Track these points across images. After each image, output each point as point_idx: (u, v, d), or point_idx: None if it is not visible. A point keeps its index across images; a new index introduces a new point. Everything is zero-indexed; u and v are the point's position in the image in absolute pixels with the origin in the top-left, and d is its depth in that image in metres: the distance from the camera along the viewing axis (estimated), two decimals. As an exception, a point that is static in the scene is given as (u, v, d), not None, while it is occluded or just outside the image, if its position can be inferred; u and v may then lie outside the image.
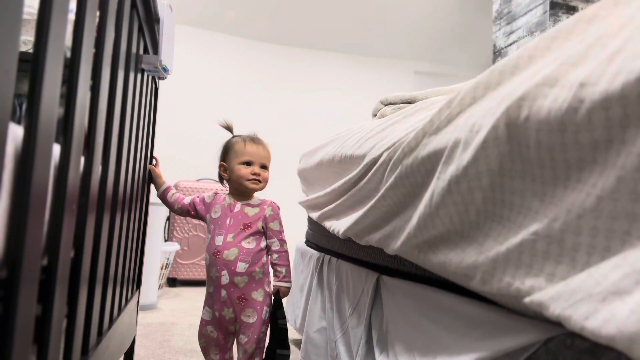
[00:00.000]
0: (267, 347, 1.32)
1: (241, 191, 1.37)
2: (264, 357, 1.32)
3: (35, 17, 0.50)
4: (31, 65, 0.44)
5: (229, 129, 1.45)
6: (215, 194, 1.42)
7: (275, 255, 1.35)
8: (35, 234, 0.45)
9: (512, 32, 3.43)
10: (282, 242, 1.36)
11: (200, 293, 3.10)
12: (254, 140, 1.39)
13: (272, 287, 1.36)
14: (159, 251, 2.75)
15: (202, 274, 3.42)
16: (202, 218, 1.41)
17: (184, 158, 3.98)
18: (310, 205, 1.66)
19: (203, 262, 3.43)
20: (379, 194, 0.94)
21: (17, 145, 0.43)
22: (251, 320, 1.27)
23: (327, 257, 1.58)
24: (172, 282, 3.41)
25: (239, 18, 4.38)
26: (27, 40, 1.52)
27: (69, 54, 0.56)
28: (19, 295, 0.42)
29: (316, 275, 1.65)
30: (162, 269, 2.90)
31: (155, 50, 1.36)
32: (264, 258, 1.34)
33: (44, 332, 0.53)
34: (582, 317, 0.43)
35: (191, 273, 3.43)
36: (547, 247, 0.51)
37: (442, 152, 0.70)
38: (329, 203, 1.38)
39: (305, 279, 1.80)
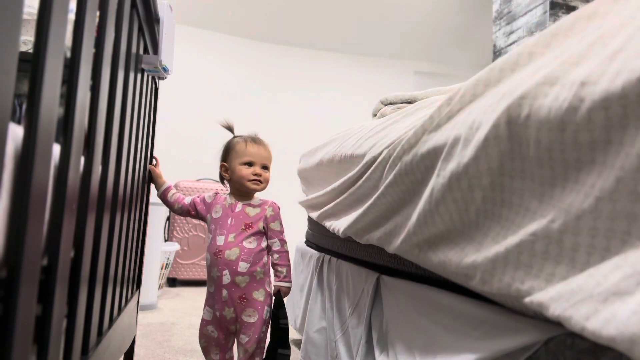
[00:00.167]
0: (268, 347, 1.32)
1: (242, 191, 1.38)
2: (264, 357, 1.32)
3: (35, 17, 0.49)
4: (31, 65, 0.44)
5: (229, 129, 1.45)
6: (216, 194, 1.42)
7: (276, 256, 1.35)
8: (35, 234, 0.45)
9: (512, 32, 3.43)
10: (283, 242, 1.37)
11: (200, 293, 3.10)
12: (255, 140, 1.39)
13: (272, 287, 1.36)
14: (159, 251, 2.75)
15: (202, 274, 3.42)
16: (202, 218, 1.41)
17: (184, 158, 3.98)
18: (310, 205, 1.66)
19: (203, 262, 3.43)
20: (379, 191, 0.94)
21: (17, 145, 0.43)
22: (252, 320, 1.28)
23: (327, 257, 1.58)
24: (172, 282, 3.41)
25: (238, 18, 4.39)
26: (27, 40, 1.52)
27: (69, 54, 0.56)
28: (19, 295, 0.42)
29: (316, 275, 1.65)
30: (162, 269, 2.90)
31: (155, 50, 1.36)
32: (265, 258, 1.34)
33: (44, 332, 0.53)
34: (582, 317, 0.43)
35: (191, 273, 3.43)
36: (546, 247, 0.51)
37: (442, 149, 0.70)
38: (328, 202, 1.38)
39: (305, 279, 1.80)
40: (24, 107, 0.73)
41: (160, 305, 2.71)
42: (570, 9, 3.09)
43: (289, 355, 1.30)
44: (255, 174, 1.34)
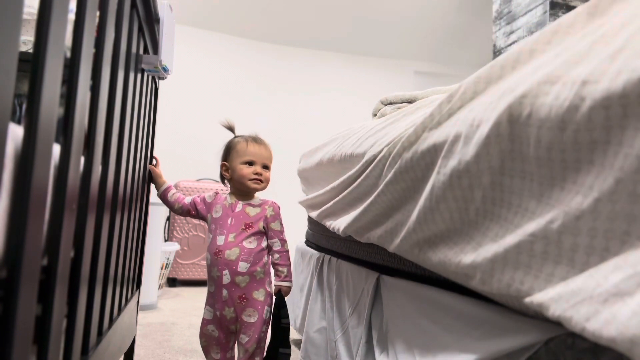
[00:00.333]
0: (269, 346, 1.32)
1: (243, 191, 1.38)
2: (264, 356, 1.32)
3: (35, 17, 0.49)
4: (31, 65, 0.44)
5: (230, 129, 1.45)
6: (216, 193, 1.42)
7: (276, 255, 1.35)
8: (35, 234, 0.45)
9: (512, 32, 3.43)
10: (283, 242, 1.37)
11: (200, 293, 3.10)
12: (256, 140, 1.39)
13: (273, 287, 1.36)
14: (159, 251, 2.75)
15: (202, 274, 3.42)
16: (202, 218, 1.41)
17: (184, 158, 3.98)
18: (310, 205, 1.66)
19: (203, 262, 3.43)
20: (379, 189, 0.94)
21: (17, 145, 0.43)
22: (252, 320, 1.28)
23: (327, 257, 1.58)
24: (172, 282, 3.41)
25: (238, 18, 4.39)
26: (27, 40, 1.52)
27: (69, 54, 0.56)
28: (19, 295, 0.42)
29: (316, 275, 1.64)
30: (162, 269, 2.90)
31: (155, 50, 1.36)
32: (265, 258, 1.34)
33: (44, 332, 0.53)
34: (583, 318, 0.43)
35: (191, 273, 3.43)
36: (545, 247, 0.51)
37: (442, 146, 0.70)
38: (328, 201, 1.38)
39: (305, 279, 1.80)
40: (24, 107, 0.73)
41: (160, 305, 2.71)
42: (570, 9, 3.09)
43: (289, 355, 1.30)
44: (256, 173, 1.34)
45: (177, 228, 3.44)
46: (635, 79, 0.40)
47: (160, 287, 2.93)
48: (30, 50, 0.62)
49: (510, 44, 3.43)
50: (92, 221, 0.72)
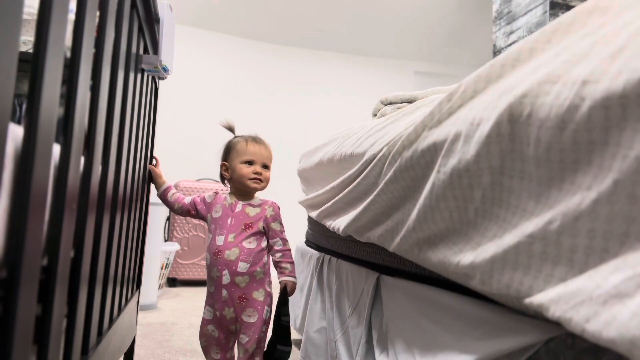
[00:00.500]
0: (269, 342, 1.32)
1: (243, 191, 1.38)
2: (265, 351, 1.31)
3: (35, 17, 0.49)
4: (31, 65, 0.44)
5: (230, 129, 1.45)
6: (216, 193, 1.42)
7: (278, 254, 1.35)
8: (35, 234, 0.45)
9: (512, 32, 3.43)
10: (285, 241, 1.37)
11: (200, 293, 3.10)
12: (256, 140, 1.39)
13: (273, 287, 1.36)
14: (159, 251, 2.75)
15: (202, 274, 3.42)
16: (202, 218, 1.41)
17: (184, 158, 3.98)
18: (310, 205, 1.66)
19: (203, 262, 3.43)
20: (378, 188, 0.94)
21: (17, 145, 0.43)
22: (252, 320, 1.28)
23: (327, 257, 1.58)
24: (172, 282, 3.41)
25: (238, 18, 4.38)
26: (27, 40, 1.52)
27: (69, 54, 0.56)
28: (19, 295, 0.42)
29: (316, 275, 1.65)
30: (162, 269, 2.90)
31: (155, 50, 1.36)
32: (265, 258, 1.34)
33: (44, 332, 0.53)
34: (582, 319, 0.43)
35: (191, 273, 3.43)
36: (544, 248, 0.51)
37: (443, 144, 0.70)
38: (328, 201, 1.38)
39: (305, 279, 1.80)
40: (24, 107, 0.73)
41: (160, 305, 2.71)
42: (570, 9, 3.08)
43: (288, 353, 1.30)
44: (256, 173, 1.34)
45: (177, 228, 3.44)
46: (635, 79, 0.40)
47: (160, 287, 2.93)
48: (30, 50, 0.62)
49: (510, 44, 3.43)
50: (92, 221, 0.73)
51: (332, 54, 4.86)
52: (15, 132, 0.42)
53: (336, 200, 1.28)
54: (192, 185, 3.45)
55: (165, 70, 1.34)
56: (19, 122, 0.62)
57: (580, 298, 0.44)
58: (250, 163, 1.35)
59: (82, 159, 0.65)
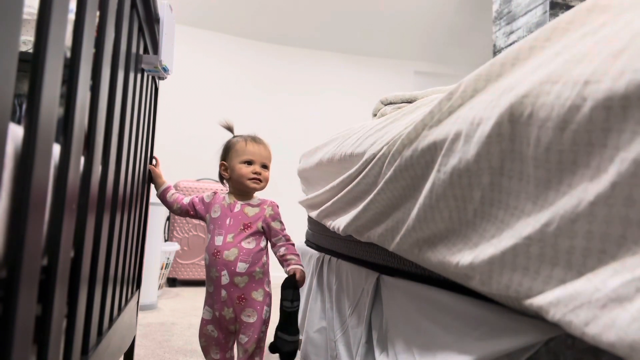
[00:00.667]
0: (276, 328, 1.27)
1: (242, 190, 1.38)
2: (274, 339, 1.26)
3: (35, 17, 0.49)
4: (31, 65, 0.44)
5: (229, 129, 1.45)
6: (215, 193, 1.42)
7: (283, 249, 1.34)
8: (35, 234, 0.45)
9: (512, 32, 3.43)
10: (287, 237, 1.37)
11: (200, 293, 3.10)
12: (255, 139, 1.39)
13: (271, 288, 1.36)
14: (159, 251, 2.75)
15: (202, 274, 3.42)
16: (201, 218, 1.41)
17: (184, 158, 3.98)
18: (309, 204, 1.66)
19: (203, 262, 3.43)
20: (378, 187, 0.94)
21: (17, 145, 0.43)
22: (251, 320, 1.27)
23: (327, 257, 1.58)
24: (172, 282, 3.41)
25: (239, 18, 4.38)
26: (27, 40, 1.52)
27: (69, 54, 0.56)
28: (19, 295, 0.42)
29: (316, 275, 1.65)
30: (162, 269, 2.90)
31: (155, 50, 1.36)
32: (264, 258, 1.34)
33: (44, 332, 0.53)
34: (582, 323, 0.43)
35: (191, 273, 3.43)
36: (541, 250, 0.51)
37: (443, 144, 0.70)
38: (328, 200, 1.38)
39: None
40: (24, 107, 0.73)
41: (160, 305, 2.71)
42: (570, 9, 3.08)
43: (291, 342, 1.23)
44: (255, 173, 1.34)
45: (177, 228, 3.44)
46: (638, 80, 0.40)
47: (160, 287, 2.92)
48: (30, 50, 0.62)
49: (510, 44, 3.43)
50: (92, 221, 0.72)
51: (332, 54, 4.86)
52: (15, 132, 0.42)
53: (336, 199, 1.28)
54: (192, 185, 3.45)
55: (165, 70, 1.34)
56: (19, 122, 0.62)
57: (580, 301, 0.44)
58: (249, 163, 1.35)
59: (82, 159, 0.65)
